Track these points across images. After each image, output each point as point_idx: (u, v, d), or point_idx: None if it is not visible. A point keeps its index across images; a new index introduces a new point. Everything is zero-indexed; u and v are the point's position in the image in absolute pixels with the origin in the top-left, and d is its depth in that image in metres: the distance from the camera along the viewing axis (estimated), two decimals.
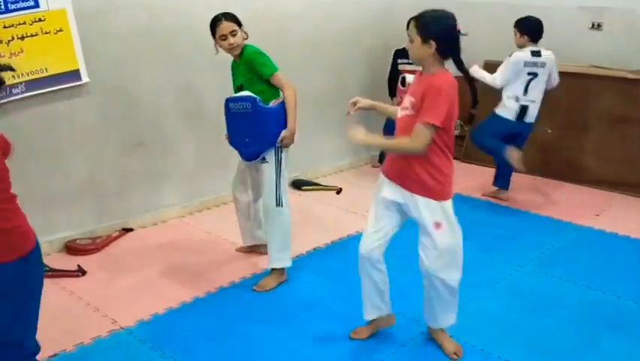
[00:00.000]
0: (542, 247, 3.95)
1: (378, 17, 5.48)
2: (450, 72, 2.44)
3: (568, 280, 3.50)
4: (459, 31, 2.40)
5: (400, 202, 2.57)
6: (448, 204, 2.53)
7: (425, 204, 2.50)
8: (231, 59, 3.39)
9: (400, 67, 5.29)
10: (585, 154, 5.24)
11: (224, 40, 3.21)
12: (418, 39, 2.39)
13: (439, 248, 2.55)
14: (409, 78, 4.90)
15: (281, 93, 3.27)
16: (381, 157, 5.68)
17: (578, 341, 2.91)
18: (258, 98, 3.17)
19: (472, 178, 5.30)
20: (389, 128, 4.23)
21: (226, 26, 3.19)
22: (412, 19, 2.45)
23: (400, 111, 2.53)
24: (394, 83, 5.28)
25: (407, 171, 2.50)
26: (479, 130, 4.73)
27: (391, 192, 2.58)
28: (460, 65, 2.44)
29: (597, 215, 4.55)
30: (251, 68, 3.22)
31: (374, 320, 2.85)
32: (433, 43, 2.35)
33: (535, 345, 2.86)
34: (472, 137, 4.85)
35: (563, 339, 2.91)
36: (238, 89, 3.33)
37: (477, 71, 4.54)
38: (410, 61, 5.13)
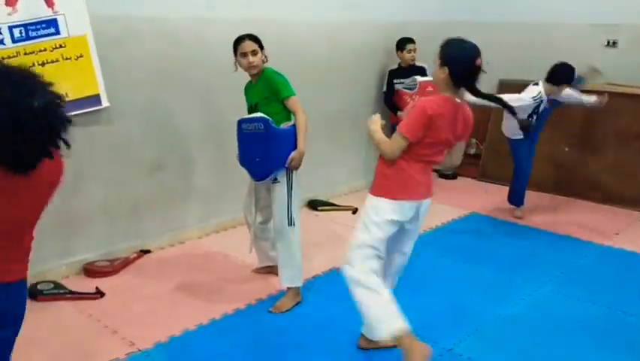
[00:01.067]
0: (561, 267, 3.91)
1: (390, 38, 5.52)
2: (449, 97, 2.53)
3: (587, 301, 3.45)
4: (479, 66, 2.48)
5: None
6: (384, 202, 2.62)
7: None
8: (246, 81, 3.43)
9: (396, 87, 5.37)
10: (602, 172, 5.20)
11: (244, 57, 3.28)
12: (437, 62, 2.53)
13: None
14: (419, 78, 4.99)
15: (292, 118, 3.32)
16: None
17: None
18: (270, 119, 3.23)
19: (490, 197, 5.28)
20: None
21: (248, 45, 3.27)
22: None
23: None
24: (392, 100, 5.37)
25: (376, 174, 2.72)
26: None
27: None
28: (475, 93, 2.56)
29: (616, 234, 4.49)
30: (269, 88, 3.29)
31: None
32: (447, 69, 2.47)
33: None
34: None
35: None
36: (251, 108, 3.39)
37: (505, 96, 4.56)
38: (403, 80, 5.27)
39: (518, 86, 5.44)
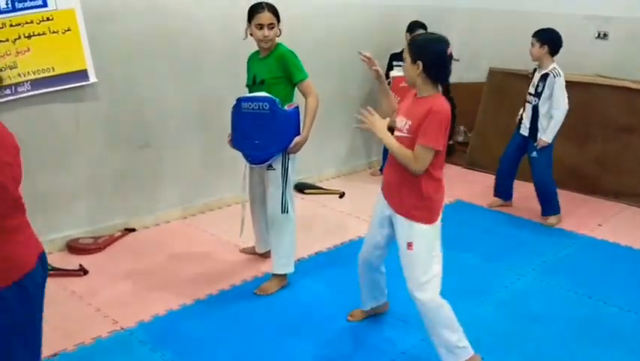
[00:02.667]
0: (544, 256, 3.95)
1: (384, 22, 5.49)
2: (443, 97, 2.51)
3: (569, 290, 3.49)
4: (450, 55, 2.44)
5: (390, 216, 2.65)
6: (428, 227, 2.54)
7: (403, 223, 2.56)
8: (244, 62, 3.37)
9: (395, 68, 5.30)
10: (589, 163, 5.23)
11: (260, 29, 3.10)
12: (408, 59, 2.47)
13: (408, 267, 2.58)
14: (395, 72, 4.90)
15: (294, 98, 3.25)
16: (382, 167, 5.68)
17: (578, 351, 2.90)
18: (277, 99, 3.09)
19: (476, 185, 5.30)
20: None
21: (267, 17, 3.09)
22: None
23: (396, 132, 2.55)
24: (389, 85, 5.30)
25: (397, 191, 2.57)
26: (546, 173, 4.51)
27: (383, 208, 2.67)
28: (446, 90, 2.51)
29: (600, 225, 4.54)
30: (283, 67, 3.15)
31: (369, 311, 3.06)
32: (420, 64, 2.41)
33: (533, 355, 2.86)
34: (541, 182, 4.57)
35: (562, 349, 2.91)
36: (254, 82, 3.23)
37: (550, 134, 4.30)
38: (401, 64, 5.20)
39: (508, 75, 5.47)
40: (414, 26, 5.16)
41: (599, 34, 5.35)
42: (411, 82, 2.51)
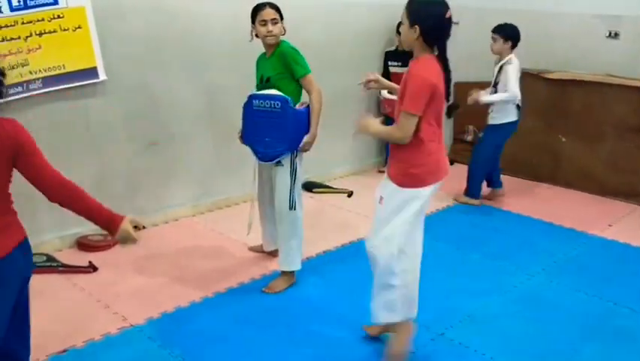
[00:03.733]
0: (554, 256, 3.92)
1: (389, 20, 5.47)
2: (434, 57, 2.43)
3: (579, 290, 3.47)
4: (449, 19, 2.38)
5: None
6: (404, 190, 2.51)
7: (387, 183, 2.57)
8: (252, 60, 3.37)
9: (391, 69, 5.31)
10: (599, 163, 5.20)
11: (264, 25, 3.14)
12: (406, 22, 2.41)
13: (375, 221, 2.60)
14: (385, 93, 4.93)
15: (301, 95, 3.26)
16: (387, 161, 5.68)
17: (588, 352, 2.88)
18: (289, 98, 3.12)
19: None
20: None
21: (269, 12, 3.15)
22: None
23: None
24: None
25: (391, 162, 2.59)
26: (481, 155, 4.71)
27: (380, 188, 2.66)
28: (442, 54, 2.43)
29: (610, 225, 4.51)
30: (285, 64, 3.18)
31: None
32: (417, 28, 2.35)
33: (543, 355, 2.84)
34: (474, 162, 4.79)
35: (572, 350, 2.89)
36: (261, 82, 3.27)
37: (491, 98, 4.47)
38: (400, 63, 5.20)
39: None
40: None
41: (610, 34, 5.31)
42: (406, 45, 2.47)
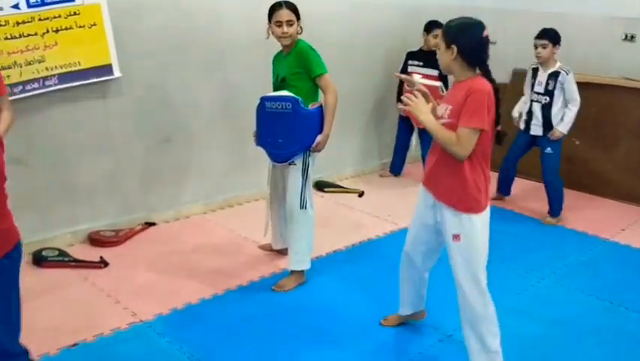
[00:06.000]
0: (565, 260, 3.90)
1: (406, 21, 5.47)
2: (483, 78, 2.40)
3: (590, 295, 3.44)
4: (486, 38, 2.37)
5: (433, 206, 2.54)
6: (476, 217, 2.43)
7: (448, 213, 2.46)
8: (268, 58, 3.38)
9: (410, 68, 5.26)
10: (613, 167, 5.15)
11: (279, 26, 3.14)
12: (442, 45, 2.40)
13: (457, 259, 2.50)
14: (416, 78, 4.87)
15: (320, 97, 3.26)
16: (392, 167, 5.66)
17: (598, 357, 2.86)
18: (300, 99, 3.13)
19: (494, 186, 5.26)
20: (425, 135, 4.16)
21: (285, 13, 3.14)
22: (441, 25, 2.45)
23: (437, 120, 2.45)
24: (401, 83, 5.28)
25: (440, 180, 2.48)
26: (557, 170, 4.56)
27: (426, 198, 2.56)
28: (486, 73, 2.40)
29: (623, 229, 4.47)
30: (301, 63, 3.17)
31: (404, 317, 2.94)
32: (455, 48, 2.34)
33: (551, 359, 2.82)
34: (553, 180, 4.59)
35: (582, 354, 2.87)
36: (277, 81, 3.28)
37: (567, 124, 4.37)
38: (422, 63, 5.16)
39: None
40: (432, 26, 5.10)
41: (625, 36, 5.26)
42: (445, 68, 2.44)
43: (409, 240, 2.73)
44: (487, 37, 2.37)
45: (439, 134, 2.36)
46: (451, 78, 2.81)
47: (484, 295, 2.51)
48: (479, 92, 2.29)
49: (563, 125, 4.38)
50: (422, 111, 2.41)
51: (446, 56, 2.39)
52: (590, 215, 4.70)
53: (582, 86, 5.15)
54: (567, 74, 4.33)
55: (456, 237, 2.45)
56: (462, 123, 2.30)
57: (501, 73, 5.44)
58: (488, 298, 2.52)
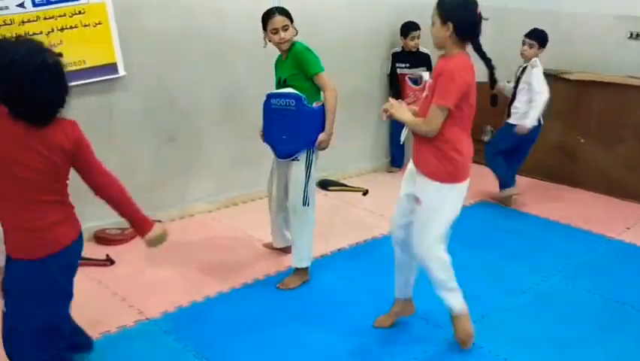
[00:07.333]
0: (570, 259, 3.89)
1: (405, 17, 5.42)
2: (468, 55, 2.49)
3: (595, 293, 3.44)
4: (480, 15, 2.45)
5: (410, 191, 2.67)
6: (444, 185, 2.55)
7: (420, 179, 2.60)
8: (271, 56, 3.39)
9: (399, 70, 5.28)
10: (617, 165, 5.14)
11: (276, 34, 3.18)
12: (438, 21, 2.47)
13: (415, 222, 2.63)
14: (426, 76, 4.88)
15: (321, 95, 3.27)
16: (393, 161, 5.67)
17: (603, 356, 2.86)
18: (303, 96, 3.16)
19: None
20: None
21: (279, 20, 3.17)
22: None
23: (423, 93, 2.62)
24: (396, 84, 5.34)
25: (420, 150, 2.60)
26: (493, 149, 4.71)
27: (411, 174, 2.68)
28: (479, 49, 2.51)
29: (628, 228, 4.46)
30: (298, 64, 3.21)
31: (394, 308, 2.96)
32: (451, 25, 2.41)
33: (557, 357, 2.83)
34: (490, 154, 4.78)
35: (586, 353, 2.87)
36: (279, 83, 3.31)
37: (532, 119, 4.44)
38: (408, 65, 5.17)
39: None
40: (408, 29, 5.15)
41: (631, 35, 5.24)
42: (439, 44, 2.52)
43: (393, 217, 2.82)
44: (480, 13, 2.46)
45: (411, 124, 2.56)
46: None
47: (436, 261, 2.64)
48: (451, 71, 2.41)
49: (528, 121, 4.42)
50: (400, 112, 2.58)
51: (441, 32, 2.46)
52: (593, 213, 4.69)
53: (587, 83, 5.17)
54: (536, 67, 4.42)
55: (418, 200, 2.59)
56: (433, 101, 2.44)
57: (505, 72, 5.45)
58: (440, 264, 2.65)
